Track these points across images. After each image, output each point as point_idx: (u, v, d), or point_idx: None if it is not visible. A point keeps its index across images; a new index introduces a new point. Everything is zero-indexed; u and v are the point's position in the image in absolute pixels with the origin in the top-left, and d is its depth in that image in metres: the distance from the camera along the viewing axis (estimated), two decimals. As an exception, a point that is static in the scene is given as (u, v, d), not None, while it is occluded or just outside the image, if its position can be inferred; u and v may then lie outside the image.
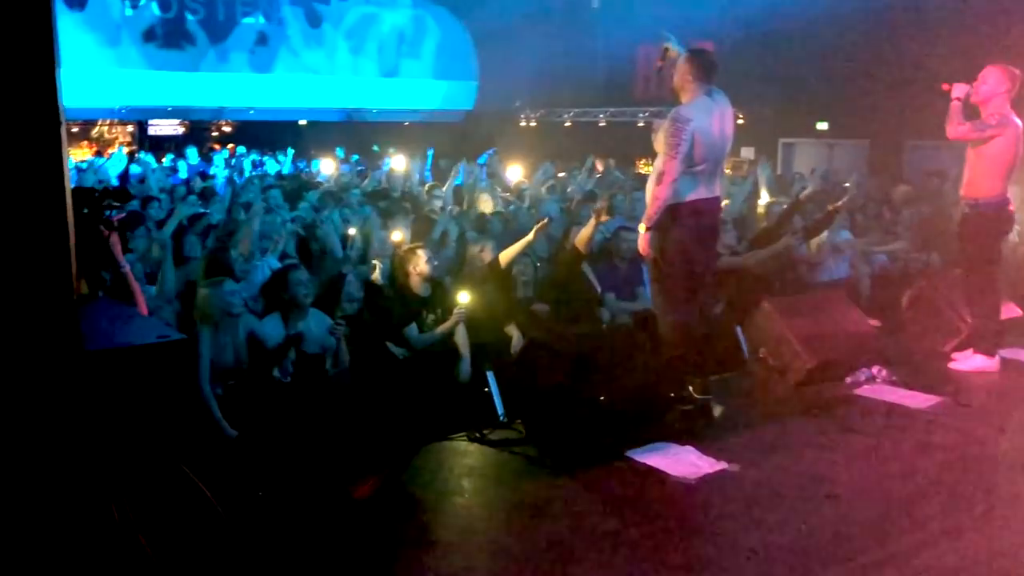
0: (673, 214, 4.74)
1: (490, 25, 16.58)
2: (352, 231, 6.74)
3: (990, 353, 5.85)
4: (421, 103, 18.92)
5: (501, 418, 4.79)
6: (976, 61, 5.95)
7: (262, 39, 16.44)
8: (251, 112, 17.15)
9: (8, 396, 1.95)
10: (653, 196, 4.73)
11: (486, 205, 8.67)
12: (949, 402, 5.17)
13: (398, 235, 6.33)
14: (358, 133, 17.57)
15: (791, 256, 7.18)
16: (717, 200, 4.95)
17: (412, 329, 5.50)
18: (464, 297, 5.45)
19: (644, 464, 4.25)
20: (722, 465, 4.24)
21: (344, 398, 4.77)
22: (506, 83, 18.23)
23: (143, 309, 3.79)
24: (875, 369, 5.63)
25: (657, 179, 4.72)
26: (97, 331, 2.13)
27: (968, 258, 5.98)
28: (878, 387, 5.45)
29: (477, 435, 4.61)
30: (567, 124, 18.87)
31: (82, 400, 1.96)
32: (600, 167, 14.18)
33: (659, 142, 4.78)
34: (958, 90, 5.72)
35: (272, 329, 5.03)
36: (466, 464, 4.35)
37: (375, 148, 15.70)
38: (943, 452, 4.44)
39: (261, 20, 16.39)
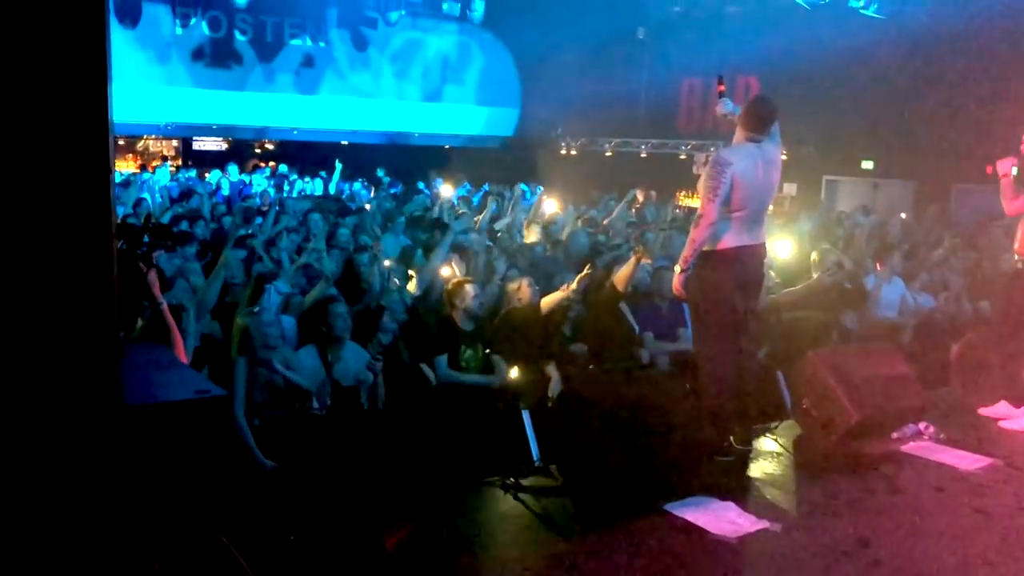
0: (711, 259, 4.72)
1: (535, 51, 16.62)
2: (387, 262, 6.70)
3: None
4: (463, 128, 19.00)
5: (536, 462, 4.70)
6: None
7: (308, 61, 16.62)
8: (295, 132, 17.31)
9: (44, 451, 1.91)
10: (691, 238, 4.73)
11: (533, 236, 8.61)
12: (1001, 465, 4.99)
13: (447, 270, 6.30)
14: (400, 156, 17.66)
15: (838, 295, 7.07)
16: (759, 247, 4.89)
17: (443, 360, 5.44)
18: (513, 372, 5.48)
19: (683, 519, 4.13)
20: (763, 524, 4.10)
21: (379, 435, 4.72)
22: (548, 110, 18.26)
23: (180, 350, 3.76)
24: (922, 425, 5.47)
25: (695, 221, 4.73)
26: (135, 382, 2.08)
27: (1015, 315, 5.87)
28: (926, 445, 5.29)
29: (511, 480, 4.51)
30: (608, 154, 18.82)
31: (119, 458, 1.92)
32: (641, 198, 14.11)
33: (700, 185, 4.77)
34: (1003, 167, 5.86)
35: (308, 361, 5.00)
36: (500, 511, 4.25)
37: (379, 172, 15.71)
38: (996, 520, 4.26)
39: (308, 42, 16.58)
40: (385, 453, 4.28)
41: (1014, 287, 5.99)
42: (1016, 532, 4.14)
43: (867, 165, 14.36)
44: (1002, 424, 5.75)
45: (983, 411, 5.92)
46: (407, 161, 17.11)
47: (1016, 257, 5.96)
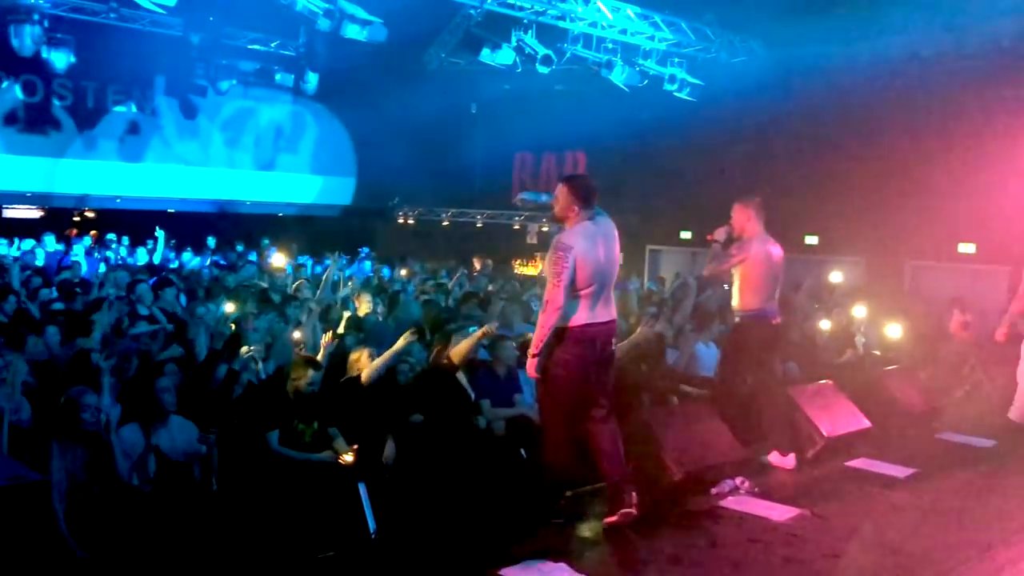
0: (563, 337, 4.80)
1: (370, 123, 16.81)
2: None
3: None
4: (297, 197, 18.85)
5: (372, 534, 4.68)
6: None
7: (133, 128, 16.10)
8: (118, 200, 16.64)
9: None
10: (540, 323, 4.81)
11: (365, 307, 8.62)
12: (809, 515, 5.38)
13: (298, 334, 6.24)
14: (230, 225, 17.29)
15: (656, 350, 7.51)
16: (610, 323, 4.99)
17: (274, 435, 5.36)
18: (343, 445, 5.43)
19: (513, 583, 4.23)
20: (593, 581, 4.26)
21: (206, 509, 4.56)
22: (384, 180, 18.45)
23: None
24: (738, 480, 5.82)
25: (543, 307, 4.82)
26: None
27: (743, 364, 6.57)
28: (742, 499, 5.62)
29: (347, 553, 4.47)
30: (445, 223, 19.14)
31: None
32: (478, 266, 14.43)
33: (545, 270, 4.89)
34: (716, 234, 6.57)
35: (131, 438, 4.81)
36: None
37: (208, 241, 15.38)
38: (805, 566, 4.60)
39: (133, 108, 16.07)
40: (214, 528, 4.15)
41: (733, 339, 6.59)
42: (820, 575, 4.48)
43: (686, 235, 15.30)
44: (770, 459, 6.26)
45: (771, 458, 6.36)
46: (238, 230, 16.78)
47: (735, 314, 6.57)
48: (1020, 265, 10.51)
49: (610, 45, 11.78)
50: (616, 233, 4.99)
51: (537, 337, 4.81)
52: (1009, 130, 10.29)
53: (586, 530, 5.01)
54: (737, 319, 6.58)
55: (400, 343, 6.02)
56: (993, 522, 5.34)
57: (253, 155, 17.90)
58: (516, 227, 18.61)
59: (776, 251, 6.52)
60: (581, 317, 4.81)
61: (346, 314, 8.32)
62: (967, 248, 11.85)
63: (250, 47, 14.04)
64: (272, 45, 14.09)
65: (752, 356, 6.52)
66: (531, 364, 4.86)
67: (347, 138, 18.79)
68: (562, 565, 4.42)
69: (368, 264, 13.58)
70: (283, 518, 4.41)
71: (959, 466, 6.75)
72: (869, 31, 10.80)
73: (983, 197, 10.50)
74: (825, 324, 9.81)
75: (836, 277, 12.85)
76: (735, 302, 6.57)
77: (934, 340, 10.35)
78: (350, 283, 9.73)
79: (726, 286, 8.84)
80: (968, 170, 10.69)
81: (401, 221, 19.60)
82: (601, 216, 4.95)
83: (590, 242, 4.80)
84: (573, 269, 4.72)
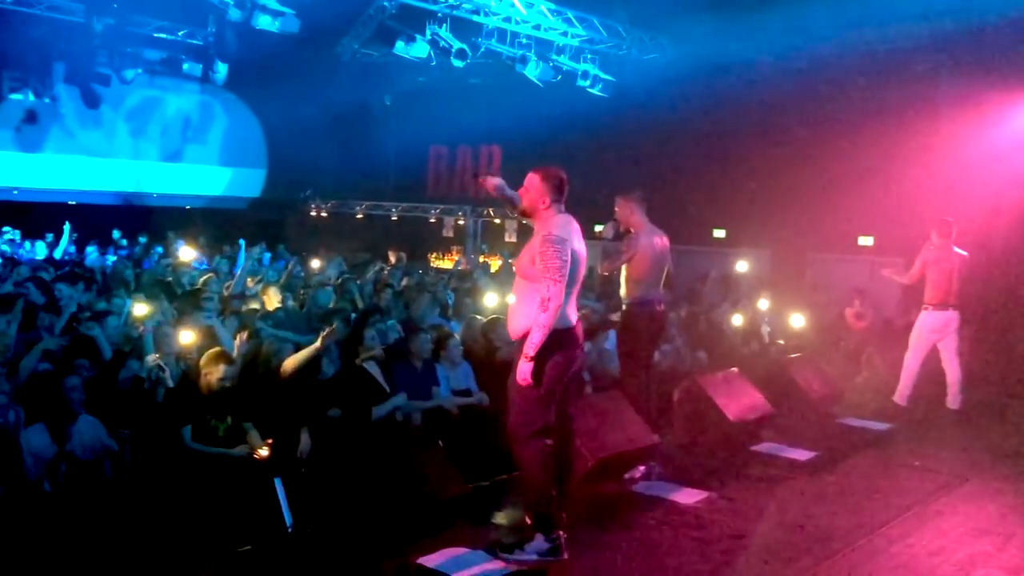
0: (561, 338, 4.48)
1: (282, 114, 16.55)
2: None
3: None
4: (205, 189, 18.43)
5: (289, 528, 4.67)
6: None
7: (31, 117, 15.47)
8: (15, 192, 15.98)
9: None
10: (541, 324, 4.36)
11: (273, 301, 8.52)
12: (716, 497, 5.60)
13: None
14: (136, 218, 16.79)
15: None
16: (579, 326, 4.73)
17: (187, 431, 5.29)
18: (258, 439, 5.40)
19: (435, 571, 4.29)
20: (511, 568, 4.36)
21: (126, 506, 4.48)
22: (296, 172, 18.20)
23: None
24: (649, 465, 6.02)
25: (542, 306, 4.35)
26: None
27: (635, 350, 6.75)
28: (652, 484, 5.82)
29: (264, 548, 4.45)
30: (359, 216, 18.99)
31: None
32: (393, 259, 14.39)
33: (542, 266, 4.39)
34: (606, 232, 6.79)
35: (36, 440, 4.69)
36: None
37: (114, 234, 14.91)
38: (710, 546, 4.80)
39: (31, 97, 15.44)
40: (129, 526, 4.09)
41: (624, 327, 6.80)
42: (728, 555, 4.68)
43: (599, 229, 15.51)
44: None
45: None
46: (144, 222, 16.31)
47: (623, 302, 6.79)
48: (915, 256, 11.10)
49: (524, 40, 11.89)
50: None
51: (539, 338, 4.35)
52: (905, 127, 10.77)
53: (502, 518, 5.10)
54: (624, 307, 6.81)
55: (319, 342, 6.00)
56: (886, 501, 5.65)
57: (159, 146, 17.42)
58: (432, 220, 18.61)
59: (661, 241, 6.75)
60: (572, 316, 4.58)
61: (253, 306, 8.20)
62: (866, 241, 12.39)
63: (156, 35, 13.65)
64: (179, 34, 13.73)
65: (640, 342, 6.73)
66: (527, 368, 4.39)
67: (258, 129, 18.45)
68: (480, 552, 4.51)
69: (282, 260, 13.38)
70: (199, 514, 4.37)
71: (857, 449, 7.11)
72: (774, 29, 11.16)
73: (882, 192, 10.98)
74: (732, 314, 10.14)
75: (742, 268, 13.28)
76: (622, 292, 6.81)
77: (834, 330, 10.82)
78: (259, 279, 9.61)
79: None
80: (867, 166, 11.15)
81: (313, 214, 19.37)
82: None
83: (578, 236, 4.58)
84: (572, 264, 4.44)
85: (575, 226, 4.60)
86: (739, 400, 7.13)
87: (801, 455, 6.67)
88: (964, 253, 8.18)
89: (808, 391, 8.04)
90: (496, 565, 4.39)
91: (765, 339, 10.15)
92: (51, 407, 4.84)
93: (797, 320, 10.53)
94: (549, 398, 4.53)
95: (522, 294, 4.59)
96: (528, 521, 4.55)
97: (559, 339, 4.45)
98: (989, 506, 5.63)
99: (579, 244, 4.59)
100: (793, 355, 9.07)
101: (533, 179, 4.61)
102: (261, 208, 18.70)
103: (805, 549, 4.78)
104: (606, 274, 6.98)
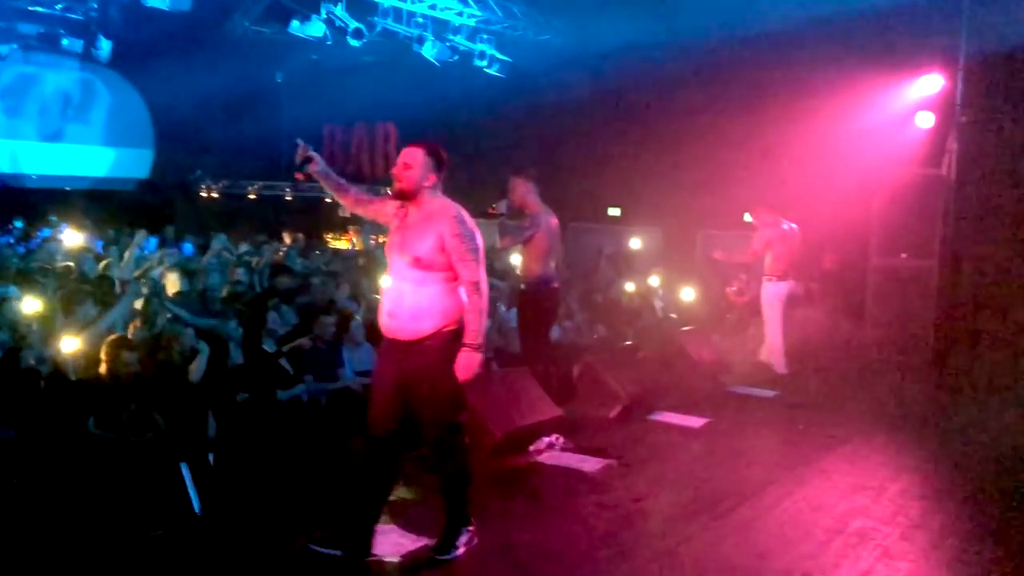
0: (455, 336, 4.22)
1: (169, 93, 16.04)
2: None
3: None
4: (88, 170, 17.70)
5: (197, 513, 4.68)
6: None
7: None
8: None
9: None
10: (480, 310, 4.15)
11: (173, 285, 8.35)
12: (615, 464, 5.87)
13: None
14: (14, 200, 16.02)
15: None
16: None
17: (90, 420, 5.21)
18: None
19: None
20: (423, 541, 4.48)
21: (32, 496, 4.41)
22: (185, 152, 17.69)
23: None
24: (554, 437, 6.24)
25: (474, 290, 4.13)
26: None
27: (533, 328, 7.00)
28: (557, 454, 6.04)
29: (170, 531, 4.45)
30: (252, 196, 18.61)
31: None
32: (289, 240, 14.21)
33: (434, 254, 4.10)
34: (499, 208, 6.90)
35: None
36: (162, 565, 4.20)
37: None
38: (612, 510, 5.05)
39: None
40: (36, 515, 4.04)
41: (523, 305, 7.05)
42: (628, 517, 4.95)
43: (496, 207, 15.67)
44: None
45: None
46: (22, 205, 15.58)
47: (520, 281, 7.07)
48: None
49: (420, 20, 11.90)
50: None
51: (479, 327, 4.13)
52: (787, 109, 11.27)
53: (413, 493, 5.23)
54: (523, 286, 7.03)
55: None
56: (773, 462, 6.05)
57: (37, 125, 16.62)
58: (328, 200, 18.40)
59: (554, 220, 6.98)
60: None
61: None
62: (751, 218, 12.93)
63: (32, 9, 13.02)
64: (57, 7, 13.14)
65: (540, 318, 6.99)
66: (477, 360, 4.11)
67: (143, 108, 17.76)
68: (392, 526, 4.63)
69: (188, 245, 12.99)
70: (107, 501, 4.34)
71: (746, 415, 7.54)
72: (664, 14, 11.48)
73: (766, 171, 11.48)
74: (628, 288, 10.50)
75: (635, 245, 13.71)
76: (521, 271, 7.02)
77: (721, 304, 11.33)
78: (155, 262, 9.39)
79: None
80: (753, 146, 11.64)
81: (204, 195, 18.88)
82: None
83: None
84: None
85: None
86: (636, 372, 7.44)
87: (694, 422, 7.03)
88: (796, 228, 8.96)
89: (699, 362, 8.45)
90: (408, 538, 4.51)
91: (658, 313, 10.55)
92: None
93: (688, 294, 10.99)
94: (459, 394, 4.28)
95: (423, 287, 4.11)
96: (458, 520, 4.35)
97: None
98: (865, 463, 6.08)
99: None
100: (685, 328, 9.49)
101: (416, 153, 4.19)
102: (149, 190, 18.09)
103: (700, 509, 5.08)
104: (505, 249, 7.14)
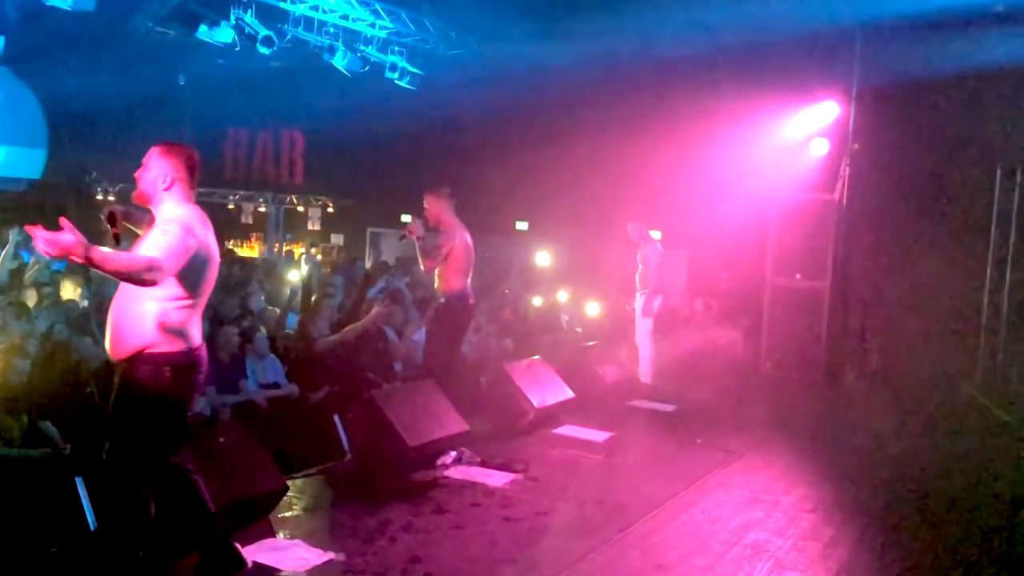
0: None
1: (65, 92, 15.45)
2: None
3: None
4: (-26, 168, 16.89)
5: (92, 528, 4.53)
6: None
7: None
8: None
9: None
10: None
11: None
12: (522, 479, 5.95)
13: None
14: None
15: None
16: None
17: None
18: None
19: (254, 562, 4.32)
20: (329, 556, 4.47)
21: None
22: (81, 153, 17.07)
23: None
24: (461, 451, 6.27)
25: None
26: None
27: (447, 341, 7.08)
28: (464, 468, 6.08)
29: (69, 550, 4.31)
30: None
31: None
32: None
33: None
34: (415, 229, 6.88)
35: None
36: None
37: None
38: (518, 523, 5.12)
39: None
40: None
41: (441, 318, 7.10)
42: (534, 531, 5.03)
43: (406, 219, 15.65)
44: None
45: None
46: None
47: (439, 295, 7.10)
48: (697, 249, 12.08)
49: (332, 30, 11.79)
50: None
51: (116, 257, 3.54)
52: (687, 131, 11.60)
53: (319, 508, 5.21)
54: (442, 300, 7.07)
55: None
56: (673, 476, 6.22)
57: (-79, 120, 15.79)
58: (231, 207, 18.04)
59: (468, 236, 7.06)
60: (193, 337, 3.80)
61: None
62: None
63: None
64: (-54, -1, 12.53)
65: (456, 333, 7.09)
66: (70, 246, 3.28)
67: (36, 106, 17.06)
68: (297, 541, 4.60)
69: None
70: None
71: (648, 429, 7.75)
72: (573, 34, 11.69)
73: (667, 190, 11.81)
74: (536, 302, 10.64)
75: (543, 260, 13.87)
76: (438, 285, 7.07)
77: (625, 319, 11.57)
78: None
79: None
80: (655, 165, 11.93)
81: (101, 197, 18.23)
82: None
83: (206, 233, 3.86)
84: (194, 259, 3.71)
85: (206, 221, 3.89)
86: (542, 386, 7.54)
87: (598, 436, 7.18)
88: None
89: (604, 376, 8.63)
90: (313, 553, 4.48)
91: (564, 328, 10.71)
92: None
93: (593, 309, 11.19)
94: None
95: (133, 301, 3.68)
96: None
97: (176, 364, 3.71)
98: (760, 476, 6.33)
99: (211, 244, 3.86)
100: (590, 343, 9.67)
101: (151, 154, 3.86)
102: (42, 190, 17.37)
103: (603, 522, 5.20)
104: (430, 271, 7.12)
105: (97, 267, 3.40)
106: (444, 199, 6.96)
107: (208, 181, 17.67)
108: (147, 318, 3.67)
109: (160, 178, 3.82)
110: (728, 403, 8.74)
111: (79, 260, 3.35)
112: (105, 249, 3.48)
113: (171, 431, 3.81)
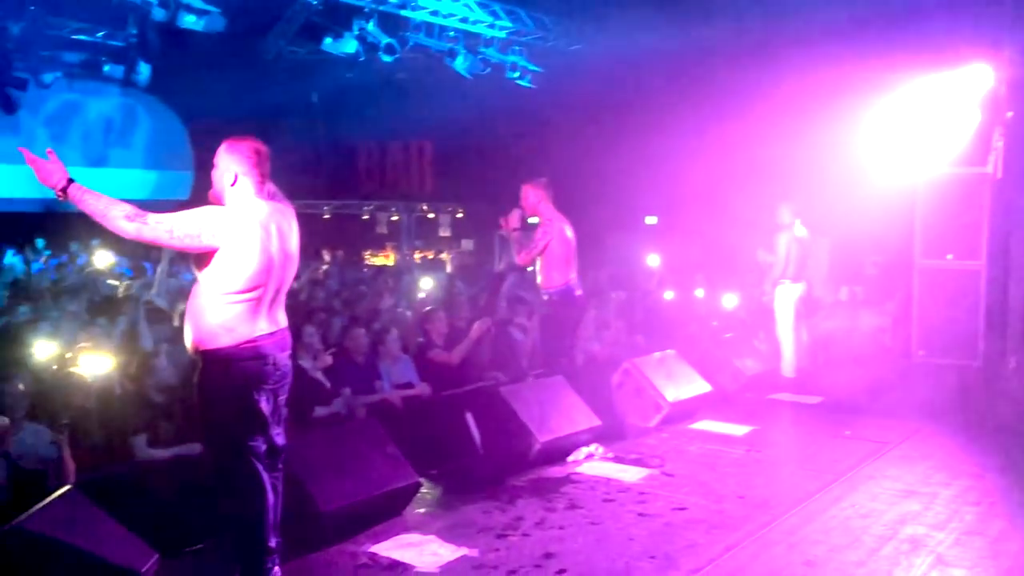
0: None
1: (206, 115, 16.28)
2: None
3: None
4: (131, 193, 18.00)
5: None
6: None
7: (-55, 123, 14.93)
8: (-70, 202, 15.45)
9: None
10: None
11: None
12: (657, 474, 5.76)
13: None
14: (59, 224, 16.34)
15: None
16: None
17: (141, 439, 5.24)
18: None
19: (389, 558, 4.35)
20: (462, 551, 4.44)
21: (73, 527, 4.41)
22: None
23: None
24: (594, 447, 6.15)
25: None
26: None
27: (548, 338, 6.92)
28: (596, 464, 5.96)
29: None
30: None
31: None
32: (328, 258, 14.34)
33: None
34: (512, 221, 6.73)
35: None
36: None
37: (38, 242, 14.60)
38: (654, 520, 4.94)
39: (-55, 104, 14.89)
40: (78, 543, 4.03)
41: (548, 316, 6.92)
42: (670, 527, 4.83)
43: (534, 221, 15.65)
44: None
45: None
46: (68, 230, 15.87)
47: (542, 292, 6.91)
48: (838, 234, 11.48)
49: (452, 34, 11.91)
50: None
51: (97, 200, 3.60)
52: (827, 108, 11.01)
53: (452, 505, 5.19)
54: (545, 297, 6.89)
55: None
56: (820, 469, 5.88)
57: (82, 151, 16.95)
58: (365, 217, 18.54)
59: (570, 227, 6.85)
60: (259, 327, 3.75)
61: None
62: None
63: (75, 38, 13.28)
64: (99, 35, 13.38)
65: (566, 329, 6.87)
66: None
67: (182, 132, 18.08)
68: (431, 537, 4.59)
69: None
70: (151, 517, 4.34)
71: (791, 423, 7.40)
72: (699, 10, 11.33)
73: (803, 172, 11.27)
74: (668, 296, 10.40)
75: (673, 254, 13.54)
76: (540, 281, 6.87)
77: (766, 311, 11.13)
78: None
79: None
80: (788, 147, 11.37)
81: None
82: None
83: (275, 226, 3.82)
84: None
85: (283, 215, 3.88)
86: (676, 380, 7.32)
87: (738, 430, 6.89)
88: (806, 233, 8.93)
89: (743, 370, 8.31)
90: (446, 549, 4.46)
91: (699, 321, 10.40)
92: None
93: (730, 301, 10.82)
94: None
95: (195, 296, 3.75)
96: None
97: (240, 358, 3.66)
98: (916, 468, 5.89)
99: (278, 239, 3.79)
100: (727, 335, 9.34)
101: (218, 151, 3.86)
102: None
103: (745, 517, 4.96)
104: (526, 265, 6.97)
105: (74, 202, 3.52)
106: (542, 190, 6.80)
107: (343, 193, 18.27)
108: (205, 312, 3.68)
109: (226, 175, 3.82)
110: (878, 393, 8.21)
111: (58, 191, 3.52)
112: (86, 189, 3.55)
113: (241, 420, 3.72)
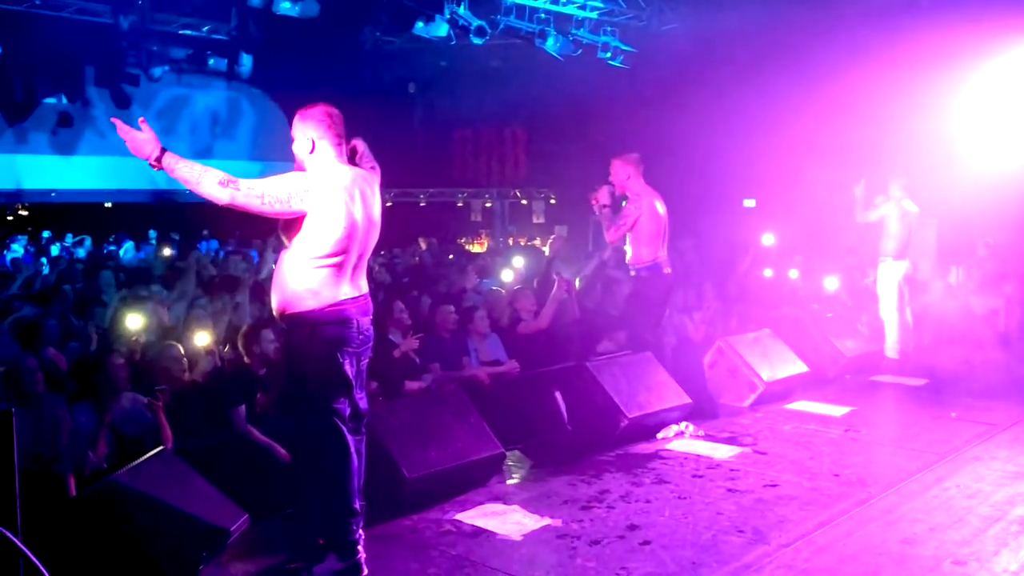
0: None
1: (305, 104, 16.67)
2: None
3: None
4: (237, 184, 18.61)
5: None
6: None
7: (65, 120, 15.75)
8: (52, 195, 16.31)
9: None
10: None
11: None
12: (749, 452, 5.62)
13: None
14: (170, 215, 17.05)
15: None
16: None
17: (241, 411, 5.38)
18: None
19: (472, 526, 4.37)
20: (545, 520, 4.42)
21: (166, 485, 4.58)
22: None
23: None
24: (683, 425, 6.04)
25: None
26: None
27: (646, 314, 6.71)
28: (686, 442, 5.85)
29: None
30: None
31: None
32: (424, 245, 14.51)
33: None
34: (601, 197, 6.57)
35: (83, 417, 4.82)
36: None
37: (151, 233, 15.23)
38: (744, 495, 4.82)
39: (64, 100, 15.72)
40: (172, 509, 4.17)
41: (635, 293, 6.74)
42: (760, 503, 4.71)
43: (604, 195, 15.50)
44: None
45: None
46: (178, 219, 16.56)
47: (631, 268, 6.73)
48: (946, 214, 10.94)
49: (542, 15, 11.85)
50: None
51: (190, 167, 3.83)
52: (941, 79, 10.45)
53: (538, 477, 5.18)
54: (633, 273, 6.73)
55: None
56: (923, 450, 5.63)
57: (189, 143, 17.59)
58: (460, 204, 18.68)
59: (661, 203, 6.68)
60: (342, 294, 3.80)
61: None
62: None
63: (182, 32, 13.82)
64: (204, 29, 13.89)
65: (653, 307, 6.72)
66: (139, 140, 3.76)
67: (284, 123, 18.51)
68: (514, 507, 4.59)
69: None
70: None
71: (893, 404, 7.12)
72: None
73: (908, 149, 10.79)
74: (766, 273, 10.15)
75: (772, 236, 13.17)
76: (629, 258, 6.71)
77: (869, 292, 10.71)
78: None
79: None
80: (890, 124, 10.88)
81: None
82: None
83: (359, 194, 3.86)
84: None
85: (366, 181, 3.93)
86: (771, 359, 7.13)
87: (836, 411, 6.66)
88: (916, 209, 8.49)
89: (843, 351, 8.02)
90: (530, 519, 4.46)
91: (797, 303, 10.09)
92: (95, 386, 4.96)
93: (831, 284, 10.46)
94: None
95: (281, 262, 3.86)
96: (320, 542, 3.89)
97: (324, 321, 3.71)
98: (1027, 450, 5.59)
99: (359, 205, 3.81)
100: (828, 315, 9.02)
101: (293, 123, 3.93)
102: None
103: (840, 494, 4.79)
104: (614, 242, 6.82)
105: (168, 170, 3.69)
106: (631, 165, 6.62)
107: (437, 181, 18.45)
108: (291, 277, 3.74)
109: (303, 143, 3.86)
110: (989, 375, 7.81)
111: (152, 161, 3.68)
112: (179, 157, 3.69)
113: (326, 383, 3.76)
